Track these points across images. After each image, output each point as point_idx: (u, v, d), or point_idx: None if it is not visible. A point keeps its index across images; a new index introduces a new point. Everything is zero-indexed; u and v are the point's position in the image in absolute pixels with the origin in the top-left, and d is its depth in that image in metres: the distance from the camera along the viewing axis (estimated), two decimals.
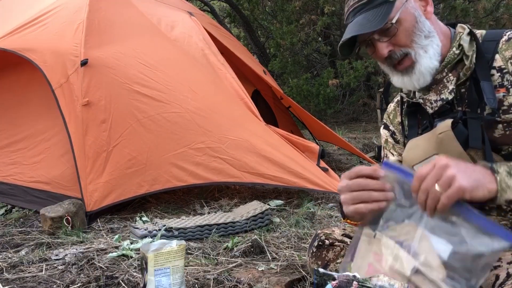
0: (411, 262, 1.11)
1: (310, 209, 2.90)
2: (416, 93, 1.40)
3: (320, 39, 8.61)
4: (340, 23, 8.15)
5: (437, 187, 1.07)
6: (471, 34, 1.34)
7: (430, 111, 1.36)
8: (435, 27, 1.33)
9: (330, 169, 3.26)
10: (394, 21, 1.27)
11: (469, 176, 1.08)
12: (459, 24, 1.38)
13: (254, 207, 2.75)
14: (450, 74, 1.32)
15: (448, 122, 1.27)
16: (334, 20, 7.92)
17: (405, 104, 1.46)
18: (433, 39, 1.31)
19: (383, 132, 1.58)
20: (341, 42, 1.33)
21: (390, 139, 1.56)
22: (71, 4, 3.33)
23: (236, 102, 3.37)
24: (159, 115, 3.01)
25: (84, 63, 2.96)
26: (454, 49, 1.32)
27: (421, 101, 1.37)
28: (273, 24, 8.64)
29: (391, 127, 1.55)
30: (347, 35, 1.31)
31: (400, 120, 1.51)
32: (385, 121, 1.59)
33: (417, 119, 1.43)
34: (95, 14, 3.22)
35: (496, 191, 1.11)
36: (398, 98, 1.53)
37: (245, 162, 2.98)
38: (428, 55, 1.30)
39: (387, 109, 1.60)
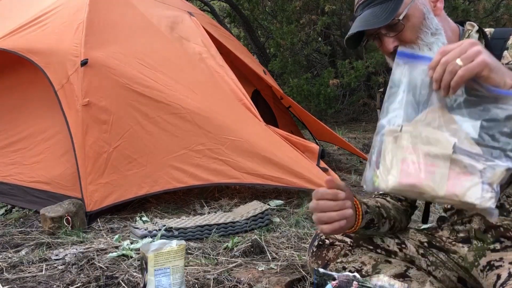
0: (450, 139, 1.06)
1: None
2: None
3: (320, 39, 8.60)
4: (340, 23, 8.14)
5: (458, 61, 1.03)
6: (480, 31, 1.33)
7: None
8: (443, 24, 1.32)
9: (330, 170, 3.26)
10: (401, 17, 1.26)
11: (494, 59, 1.05)
12: (468, 22, 1.38)
13: (254, 207, 2.75)
14: None
15: None
16: (334, 20, 7.92)
17: None
18: (439, 37, 1.30)
19: None
20: (347, 35, 1.33)
21: None
22: (71, 4, 3.32)
23: (235, 102, 3.37)
24: (159, 117, 3.00)
25: (84, 63, 2.95)
26: None
27: None
28: (273, 24, 8.63)
29: None
30: (353, 29, 1.30)
31: None
32: None
33: None
34: (95, 14, 3.22)
35: (510, 86, 1.06)
36: None
37: (245, 163, 2.98)
38: (431, 53, 1.29)
39: None
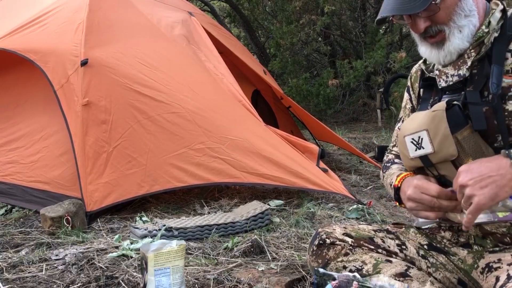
0: None
1: (310, 209, 2.90)
2: (436, 65, 1.40)
3: (320, 39, 8.61)
4: (340, 23, 8.15)
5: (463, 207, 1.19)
6: (503, 11, 1.31)
7: (444, 84, 1.35)
8: (477, 4, 1.31)
9: (329, 170, 3.26)
10: (438, 1, 1.25)
11: (487, 188, 1.12)
12: (493, 1, 1.36)
13: (254, 207, 2.74)
14: (472, 50, 1.30)
15: (444, 103, 1.26)
16: (334, 20, 7.92)
17: (423, 76, 1.46)
18: (472, 18, 1.29)
19: (405, 95, 1.61)
20: (379, 16, 1.33)
21: (408, 105, 1.59)
22: (71, 4, 3.32)
23: (235, 102, 3.37)
24: (159, 116, 3.00)
25: (84, 63, 2.95)
26: (483, 27, 1.30)
27: (437, 72, 1.36)
28: (273, 24, 8.64)
29: (411, 91, 1.58)
30: (387, 12, 1.29)
31: (418, 87, 1.53)
32: (409, 84, 1.60)
33: (431, 93, 1.43)
34: (95, 14, 3.22)
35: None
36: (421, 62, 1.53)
37: (245, 162, 2.98)
38: (461, 36, 1.28)
39: (411, 71, 1.61)
